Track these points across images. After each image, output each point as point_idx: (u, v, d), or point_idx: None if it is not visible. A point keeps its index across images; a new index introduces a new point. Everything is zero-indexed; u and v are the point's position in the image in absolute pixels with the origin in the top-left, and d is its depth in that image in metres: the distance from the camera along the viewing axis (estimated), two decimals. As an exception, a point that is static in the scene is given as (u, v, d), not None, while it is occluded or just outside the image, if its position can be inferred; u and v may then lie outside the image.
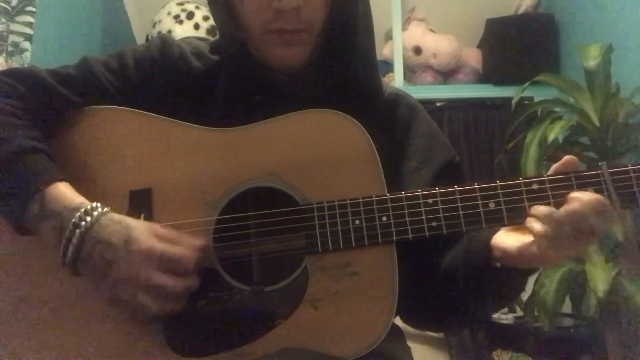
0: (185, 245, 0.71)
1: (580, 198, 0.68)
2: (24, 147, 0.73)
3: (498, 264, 0.73)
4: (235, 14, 0.81)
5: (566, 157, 0.73)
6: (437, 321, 0.91)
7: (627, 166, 0.71)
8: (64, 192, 0.73)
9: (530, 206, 0.71)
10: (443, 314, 0.87)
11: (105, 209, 0.72)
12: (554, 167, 0.73)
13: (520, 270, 0.74)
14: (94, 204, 0.72)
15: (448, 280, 0.81)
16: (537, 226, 0.68)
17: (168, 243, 0.71)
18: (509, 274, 0.74)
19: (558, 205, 0.70)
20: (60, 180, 0.74)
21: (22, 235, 0.76)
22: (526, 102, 2.43)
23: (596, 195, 0.68)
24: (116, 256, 0.68)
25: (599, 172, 0.71)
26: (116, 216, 0.72)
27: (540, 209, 0.69)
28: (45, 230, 0.72)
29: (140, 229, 0.71)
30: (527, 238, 0.69)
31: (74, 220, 0.70)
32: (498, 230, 0.75)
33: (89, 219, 0.70)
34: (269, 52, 0.82)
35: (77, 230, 0.69)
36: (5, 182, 0.72)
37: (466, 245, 0.80)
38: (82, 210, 0.70)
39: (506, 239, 0.73)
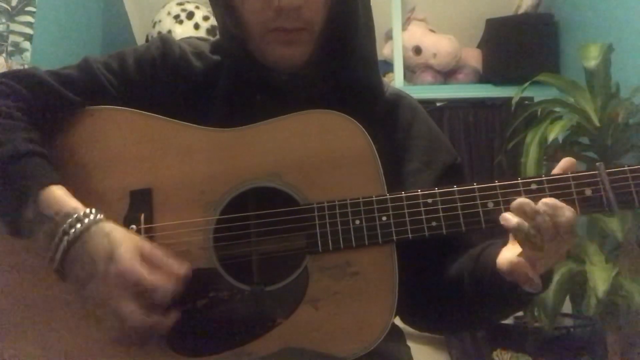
0: (167, 273, 0.69)
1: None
2: (20, 151, 0.73)
3: (507, 284, 0.72)
4: (236, 13, 0.81)
5: (564, 160, 0.73)
6: (438, 325, 0.91)
7: (624, 167, 0.71)
8: (58, 196, 0.72)
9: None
10: (445, 319, 0.87)
11: (99, 217, 0.71)
12: (553, 171, 0.73)
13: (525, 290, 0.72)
14: (87, 210, 0.71)
15: (453, 291, 0.81)
16: (512, 219, 0.67)
17: (150, 267, 0.69)
18: (515, 292, 0.72)
19: None
20: (55, 183, 0.73)
21: (19, 238, 0.75)
22: (526, 102, 2.43)
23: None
24: (95, 271, 0.68)
25: (596, 172, 0.71)
26: (107, 227, 0.70)
27: (513, 203, 0.69)
28: (37, 235, 0.71)
29: (125, 247, 0.69)
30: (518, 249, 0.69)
31: (63, 226, 0.69)
32: (505, 244, 0.74)
33: (79, 226, 0.69)
34: (269, 51, 0.82)
35: (65, 238, 0.69)
36: (1, 186, 0.72)
37: (474, 262, 0.79)
38: (74, 216, 0.70)
39: (506, 255, 0.72)
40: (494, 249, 0.76)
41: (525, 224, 0.67)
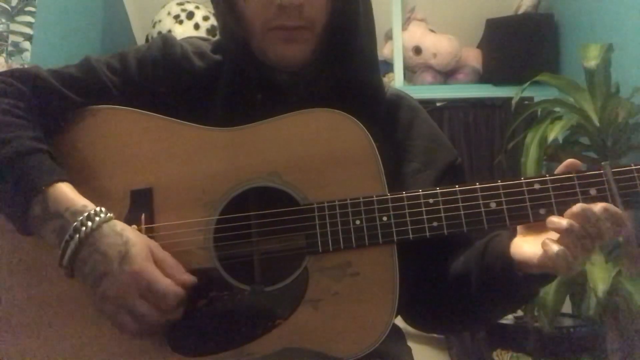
0: (176, 279, 0.71)
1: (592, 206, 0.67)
2: (26, 148, 0.73)
3: (520, 275, 0.72)
4: (238, 11, 0.81)
5: (568, 161, 0.73)
6: (441, 324, 0.91)
7: (630, 166, 0.70)
8: (67, 192, 0.73)
9: (532, 206, 0.71)
10: (448, 317, 0.86)
11: (109, 215, 0.72)
12: (556, 171, 0.73)
13: (538, 280, 0.73)
14: (98, 209, 0.72)
15: (459, 286, 0.80)
16: (562, 222, 0.67)
17: (161, 270, 0.71)
18: (525, 284, 0.73)
19: (559, 205, 0.70)
20: (63, 180, 0.73)
21: (25, 236, 0.75)
22: (526, 102, 2.43)
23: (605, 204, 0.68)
24: (108, 270, 0.69)
25: (601, 172, 0.71)
26: (119, 226, 0.72)
27: (573, 209, 0.67)
28: (46, 231, 0.72)
29: (139, 248, 0.70)
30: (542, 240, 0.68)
31: (75, 224, 0.70)
32: (514, 236, 0.74)
33: (90, 224, 0.70)
34: (270, 49, 0.82)
35: (77, 236, 0.69)
36: (7, 183, 0.72)
37: (481, 253, 0.78)
38: (85, 214, 0.70)
39: (526, 248, 0.71)
40: (501, 240, 0.75)
41: (577, 226, 0.66)
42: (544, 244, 0.67)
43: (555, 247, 0.66)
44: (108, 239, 0.70)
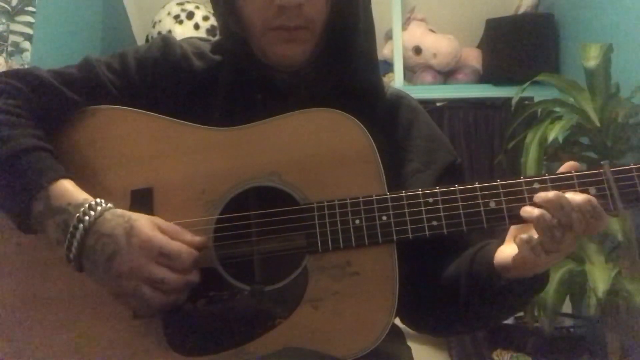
0: (186, 241, 0.72)
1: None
2: (28, 146, 0.74)
3: (503, 282, 0.72)
4: (238, 11, 0.82)
5: (568, 163, 0.72)
6: (437, 327, 0.90)
7: (630, 165, 0.70)
8: (68, 188, 0.73)
9: (531, 205, 0.71)
10: (443, 320, 0.87)
11: (109, 205, 0.73)
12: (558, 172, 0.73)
13: (523, 287, 0.73)
14: (98, 200, 0.72)
15: (450, 291, 0.80)
16: (534, 211, 0.67)
17: (169, 237, 0.71)
18: (511, 291, 0.73)
19: None
20: (65, 177, 0.74)
21: (27, 234, 0.76)
22: (526, 102, 2.43)
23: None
24: (118, 248, 0.69)
25: (601, 171, 0.70)
26: (119, 211, 0.73)
27: (547, 194, 0.68)
28: (50, 227, 0.72)
29: (143, 221, 0.72)
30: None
31: (77, 215, 0.70)
32: (501, 244, 0.75)
33: (92, 213, 0.71)
34: (270, 49, 0.82)
35: (81, 225, 0.70)
36: (9, 181, 0.73)
37: (469, 261, 0.79)
38: (86, 205, 0.71)
39: (506, 251, 0.72)
40: (490, 248, 0.76)
41: (549, 216, 0.66)
42: (516, 238, 0.68)
43: (525, 237, 0.67)
44: (112, 222, 0.71)
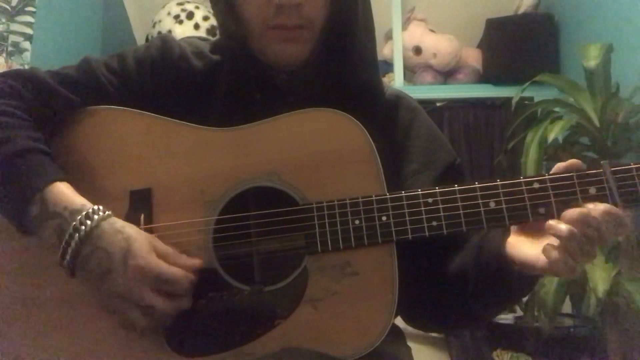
0: (182, 266, 0.72)
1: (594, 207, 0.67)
2: (25, 148, 0.73)
3: (514, 271, 0.72)
4: (237, 11, 0.81)
5: (570, 161, 0.72)
6: (440, 323, 0.91)
7: (630, 164, 0.70)
8: (65, 192, 0.73)
9: (531, 205, 0.71)
10: (448, 316, 0.86)
11: (107, 213, 0.72)
12: (558, 165, 0.72)
13: (533, 278, 0.74)
14: (96, 207, 0.72)
15: (456, 285, 0.80)
16: (563, 228, 0.66)
17: (166, 261, 0.71)
18: (521, 281, 0.73)
19: (559, 204, 0.70)
20: (61, 180, 0.74)
21: (24, 235, 0.76)
22: (526, 102, 2.43)
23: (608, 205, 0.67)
24: (113, 267, 0.69)
25: (600, 170, 0.70)
26: (118, 223, 0.72)
27: (571, 214, 0.67)
28: (45, 231, 0.72)
29: (140, 243, 0.71)
30: (541, 242, 0.69)
31: (74, 223, 0.70)
32: (507, 236, 0.74)
33: (89, 223, 0.70)
34: (269, 49, 0.82)
35: (77, 235, 0.69)
36: (6, 182, 0.73)
37: (476, 252, 0.79)
38: (84, 213, 0.70)
39: (527, 250, 0.71)
40: (496, 238, 0.75)
41: (576, 231, 0.65)
42: (544, 251, 0.67)
43: (556, 254, 0.66)
44: (109, 237, 0.70)
